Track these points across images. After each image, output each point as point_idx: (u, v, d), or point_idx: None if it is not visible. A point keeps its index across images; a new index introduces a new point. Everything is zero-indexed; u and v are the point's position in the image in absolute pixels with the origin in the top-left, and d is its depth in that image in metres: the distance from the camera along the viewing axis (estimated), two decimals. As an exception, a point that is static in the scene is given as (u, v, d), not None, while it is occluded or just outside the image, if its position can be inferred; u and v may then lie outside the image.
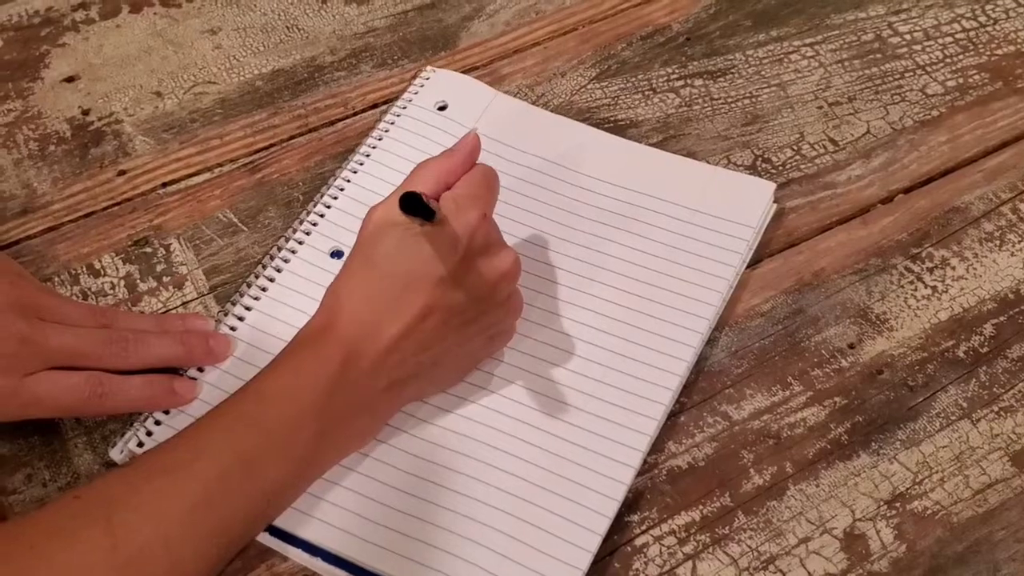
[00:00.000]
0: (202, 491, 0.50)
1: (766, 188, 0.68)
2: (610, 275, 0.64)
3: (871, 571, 0.56)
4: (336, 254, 0.65)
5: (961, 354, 0.63)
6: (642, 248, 0.65)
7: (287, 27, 0.79)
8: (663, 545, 0.56)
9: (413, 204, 0.52)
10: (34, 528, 0.49)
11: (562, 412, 0.60)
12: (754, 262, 0.66)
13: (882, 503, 0.58)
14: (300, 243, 0.66)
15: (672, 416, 0.60)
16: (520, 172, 0.69)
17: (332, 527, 0.56)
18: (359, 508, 0.56)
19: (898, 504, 0.58)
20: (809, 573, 0.56)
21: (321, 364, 0.54)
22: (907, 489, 0.58)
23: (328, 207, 0.67)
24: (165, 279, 0.66)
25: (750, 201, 0.67)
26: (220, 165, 0.71)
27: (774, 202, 0.68)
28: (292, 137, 0.73)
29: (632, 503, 0.58)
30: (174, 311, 0.65)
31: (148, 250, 0.67)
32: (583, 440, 0.59)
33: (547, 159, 0.69)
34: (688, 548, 0.56)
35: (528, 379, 0.61)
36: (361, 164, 0.69)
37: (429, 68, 0.74)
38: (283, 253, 0.65)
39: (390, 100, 0.74)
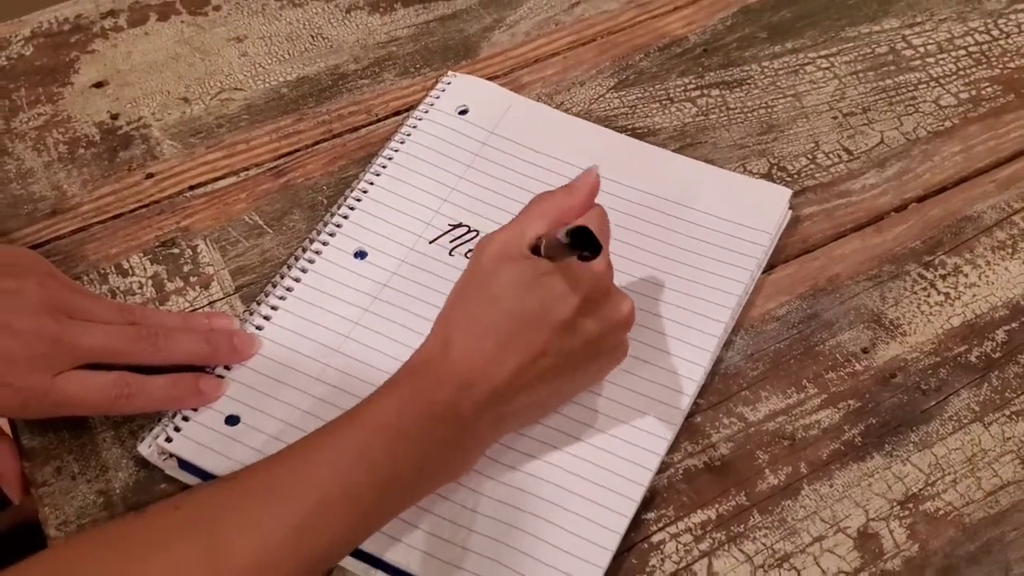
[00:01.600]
0: (303, 515, 0.50)
1: (782, 195, 0.69)
2: (628, 278, 0.66)
3: (884, 570, 0.57)
4: (360, 254, 0.67)
5: (973, 359, 0.64)
6: (658, 251, 0.67)
7: (312, 36, 0.80)
8: (679, 542, 0.58)
9: (582, 238, 0.51)
10: (132, 536, 0.49)
11: (583, 415, 0.61)
12: (769, 267, 0.68)
13: (895, 503, 0.59)
14: (325, 244, 0.67)
15: (689, 417, 0.61)
16: (539, 174, 0.70)
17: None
18: None
19: (911, 504, 0.59)
20: (823, 571, 0.57)
21: (430, 396, 0.53)
22: (920, 490, 0.59)
23: (352, 209, 0.68)
24: (192, 279, 0.67)
25: (767, 207, 0.68)
26: (246, 169, 0.73)
27: (789, 209, 0.69)
28: (316, 143, 0.74)
29: (649, 501, 0.59)
30: (201, 310, 0.66)
31: (175, 251, 0.69)
32: (603, 443, 0.60)
33: (567, 161, 0.71)
34: (704, 545, 0.57)
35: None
36: (384, 167, 0.70)
37: (450, 73, 0.76)
38: (308, 254, 0.67)
39: (412, 107, 0.75)
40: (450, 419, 0.53)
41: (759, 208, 0.68)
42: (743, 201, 0.68)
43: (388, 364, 0.62)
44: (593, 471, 0.59)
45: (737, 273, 0.66)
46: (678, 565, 0.57)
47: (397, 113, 0.76)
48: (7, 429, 0.63)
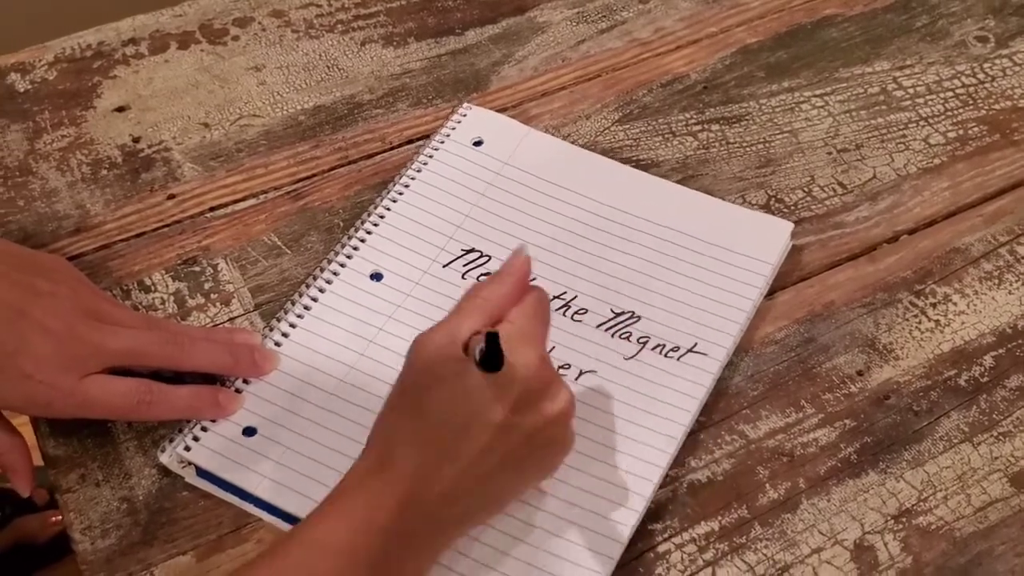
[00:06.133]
0: None
1: (784, 228, 0.72)
2: (636, 304, 0.68)
3: (879, 581, 0.59)
4: (376, 276, 0.69)
5: (963, 383, 0.67)
6: (666, 280, 0.69)
7: (328, 67, 0.83)
8: (684, 552, 0.60)
9: (490, 350, 0.51)
10: None
11: (588, 431, 0.63)
12: (769, 293, 0.70)
13: (889, 518, 0.61)
14: (342, 266, 0.70)
15: (692, 433, 0.64)
16: (551, 204, 0.73)
17: None
18: None
19: (904, 519, 0.61)
20: (821, 581, 0.59)
21: (374, 511, 0.52)
22: (913, 505, 0.62)
23: (369, 233, 0.71)
24: (213, 296, 0.70)
25: (769, 239, 0.71)
26: (265, 192, 0.76)
27: (790, 240, 0.72)
28: (333, 168, 0.77)
29: (655, 513, 0.61)
30: (222, 325, 0.68)
31: (196, 269, 0.71)
32: (606, 456, 0.62)
33: (578, 192, 0.74)
34: (708, 555, 0.60)
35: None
36: (401, 194, 0.73)
37: (466, 104, 0.79)
38: (326, 274, 0.69)
39: (425, 136, 0.78)
40: (396, 533, 0.52)
41: (762, 240, 0.71)
42: (748, 233, 0.71)
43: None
44: (596, 484, 0.61)
45: (740, 302, 0.68)
46: (683, 574, 0.59)
47: (410, 141, 0.79)
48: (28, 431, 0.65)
